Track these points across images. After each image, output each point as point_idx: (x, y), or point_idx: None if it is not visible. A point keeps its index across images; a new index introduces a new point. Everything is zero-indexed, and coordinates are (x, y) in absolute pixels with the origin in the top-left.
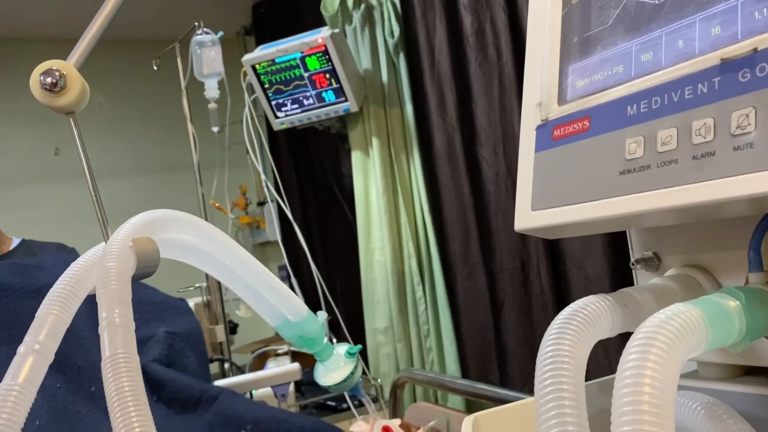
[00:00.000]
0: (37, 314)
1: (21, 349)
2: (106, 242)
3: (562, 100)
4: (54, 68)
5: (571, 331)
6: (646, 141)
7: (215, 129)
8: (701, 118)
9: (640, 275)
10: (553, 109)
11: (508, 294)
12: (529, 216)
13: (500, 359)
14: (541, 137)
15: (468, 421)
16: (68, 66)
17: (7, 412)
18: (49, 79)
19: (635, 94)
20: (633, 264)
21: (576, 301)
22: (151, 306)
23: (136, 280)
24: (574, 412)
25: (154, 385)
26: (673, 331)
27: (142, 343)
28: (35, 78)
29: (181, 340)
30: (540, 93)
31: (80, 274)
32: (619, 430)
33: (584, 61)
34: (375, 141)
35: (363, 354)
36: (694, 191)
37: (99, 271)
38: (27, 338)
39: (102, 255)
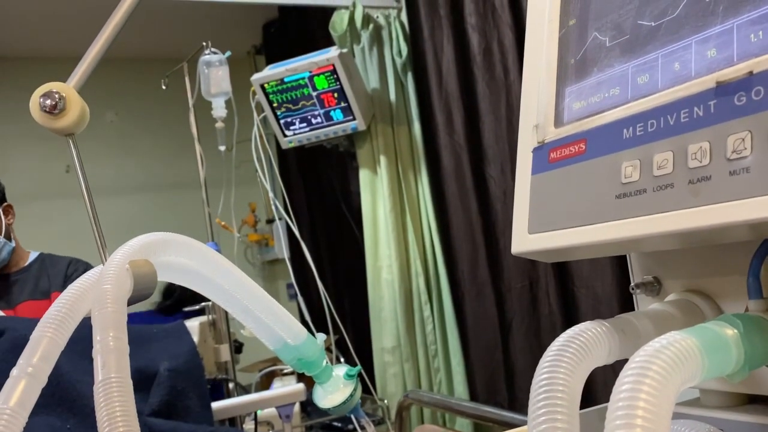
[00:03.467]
0: (31, 337)
1: (14, 372)
2: (103, 264)
3: (558, 122)
4: (54, 90)
5: (567, 359)
6: (642, 165)
7: (222, 148)
8: (697, 142)
9: (641, 300)
10: (549, 132)
11: (516, 314)
12: (526, 239)
13: (508, 380)
14: (538, 160)
15: None
16: (68, 88)
17: None
18: (48, 101)
19: (631, 117)
20: (633, 288)
21: (572, 327)
22: (148, 328)
23: (133, 302)
24: None
25: None
26: (668, 361)
27: (141, 372)
28: (35, 100)
29: (183, 379)
30: (537, 115)
31: (76, 296)
32: None
33: (581, 83)
34: (383, 159)
35: (370, 374)
36: (690, 216)
37: (95, 293)
38: (20, 361)
39: (98, 277)
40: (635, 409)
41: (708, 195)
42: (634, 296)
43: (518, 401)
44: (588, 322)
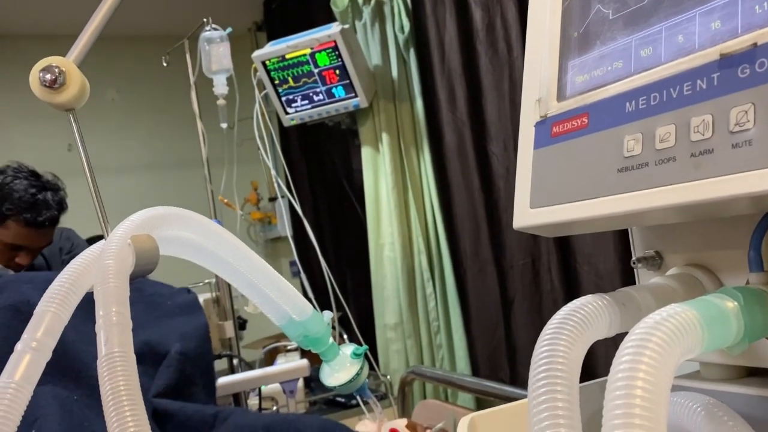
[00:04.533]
0: (35, 312)
1: (18, 346)
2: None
3: (561, 96)
4: (53, 65)
5: (567, 331)
6: (645, 138)
7: (224, 125)
8: (700, 115)
9: (642, 274)
10: (552, 106)
11: (518, 290)
12: (527, 214)
13: (510, 356)
14: (540, 134)
15: (464, 420)
16: (68, 63)
17: (3, 410)
18: (48, 76)
19: (634, 90)
20: (634, 263)
21: (573, 301)
22: (162, 299)
23: (135, 278)
24: (567, 414)
25: (160, 419)
26: (668, 333)
27: (151, 347)
28: (35, 75)
29: (192, 364)
30: (539, 89)
31: (79, 271)
32: None
33: (584, 57)
34: (385, 137)
35: (372, 350)
36: (692, 190)
37: (97, 268)
38: (25, 335)
39: (100, 252)
40: (635, 380)
41: (710, 168)
42: (635, 271)
43: (520, 377)
44: (589, 295)
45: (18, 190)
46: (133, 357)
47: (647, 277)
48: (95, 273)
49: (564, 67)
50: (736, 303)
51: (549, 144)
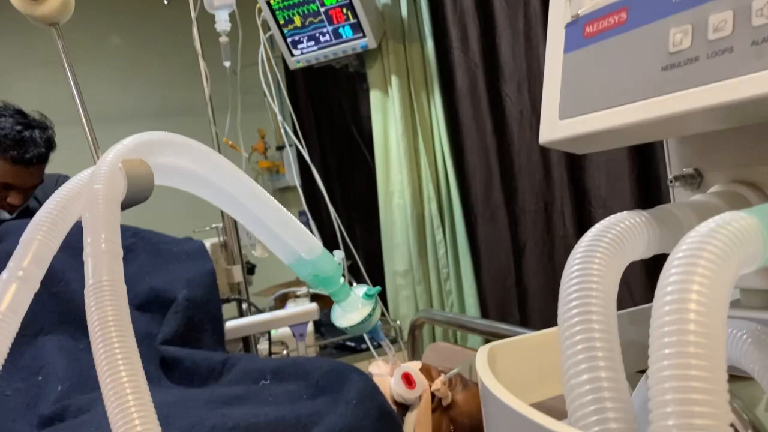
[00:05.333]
0: (21, 240)
1: (3, 275)
2: None
3: None
4: None
5: (602, 249)
6: (695, 29)
7: (227, 64)
8: None
9: (678, 194)
10: (584, 3)
11: (530, 236)
12: (556, 126)
13: (521, 303)
14: (571, 36)
15: (483, 351)
16: None
17: None
18: None
19: None
20: (671, 181)
21: (607, 218)
22: (167, 246)
23: (128, 206)
24: (606, 345)
25: (168, 365)
26: (725, 241)
27: (157, 293)
28: None
29: (200, 311)
30: None
31: (67, 198)
32: (658, 363)
33: None
34: (394, 79)
35: (382, 297)
36: (753, 83)
37: (86, 194)
38: (10, 264)
39: (89, 178)
40: (689, 292)
41: None
42: (671, 191)
43: (531, 322)
44: (624, 212)
45: (3, 128)
46: (123, 287)
47: (684, 197)
48: (84, 199)
49: None
50: None
51: (581, 46)
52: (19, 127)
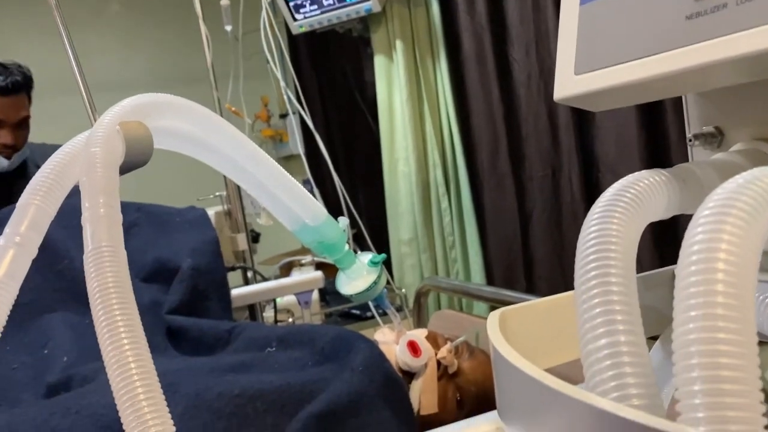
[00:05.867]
0: (17, 205)
1: (0, 241)
2: None
3: None
4: None
5: (621, 209)
6: None
7: (228, 28)
8: None
9: (697, 153)
10: None
11: (537, 203)
12: (571, 82)
13: (527, 270)
14: None
15: (494, 315)
16: None
17: None
18: None
19: None
20: (690, 140)
21: (626, 177)
22: (170, 217)
23: (127, 170)
24: (625, 309)
25: (174, 334)
26: (755, 197)
27: (161, 263)
28: None
29: (205, 279)
30: None
31: (64, 162)
32: (683, 326)
33: None
34: (399, 44)
35: (387, 265)
36: None
37: (83, 157)
38: (7, 230)
39: (86, 141)
40: (716, 251)
41: None
42: (689, 150)
43: (537, 289)
44: (644, 171)
45: None
46: (124, 253)
47: (704, 156)
48: (81, 163)
49: None
50: None
51: None
52: None
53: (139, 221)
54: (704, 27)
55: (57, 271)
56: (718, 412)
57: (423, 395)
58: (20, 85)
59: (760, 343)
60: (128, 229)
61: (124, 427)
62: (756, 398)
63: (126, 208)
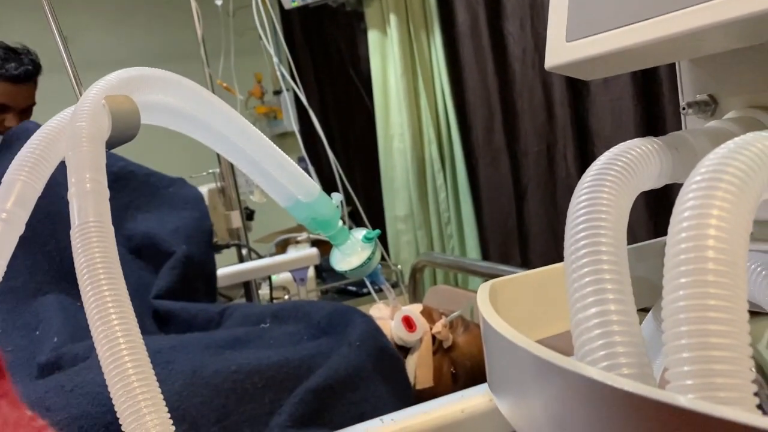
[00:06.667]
0: (3, 181)
1: None
2: None
3: None
4: None
5: (612, 178)
6: None
7: (219, 2)
8: None
9: (690, 122)
10: None
11: (532, 179)
12: (563, 49)
13: (522, 245)
14: None
15: (484, 287)
16: None
17: None
18: None
19: None
20: (684, 108)
21: (617, 146)
22: (156, 180)
23: (114, 145)
24: (615, 278)
25: (162, 318)
26: (748, 162)
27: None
28: None
29: (195, 269)
30: None
31: (50, 137)
32: (673, 293)
33: None
34: (393, 18)
35: (383, 241)
36: None
37: (68, 132)
38: None
39: (72, 116)
40: (708, 217)
41: None
42: (683, 118)
43: (532, 264)
44: (636, 139)
45: None
46: (111, 228)
47: (697, 125)
48: (66, 137)
49: None
50: None
51: None
52: (1, 51)
53: (124, 175)
54: None
55: (46, 252)
56: (706, 379)
57: (418, 370)
58: (31, 74)
59: (755, 314)
60: (112, 181)
61: (113, 401)
62: (745, 365)
63: (108, 157)
